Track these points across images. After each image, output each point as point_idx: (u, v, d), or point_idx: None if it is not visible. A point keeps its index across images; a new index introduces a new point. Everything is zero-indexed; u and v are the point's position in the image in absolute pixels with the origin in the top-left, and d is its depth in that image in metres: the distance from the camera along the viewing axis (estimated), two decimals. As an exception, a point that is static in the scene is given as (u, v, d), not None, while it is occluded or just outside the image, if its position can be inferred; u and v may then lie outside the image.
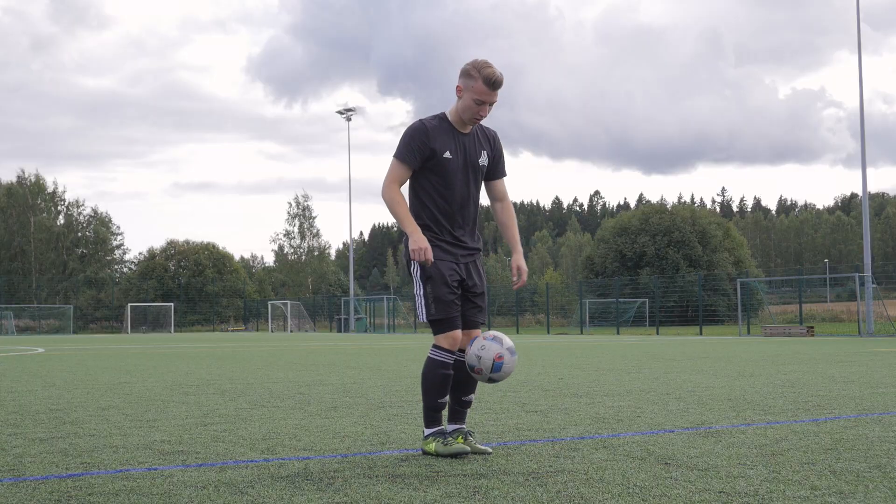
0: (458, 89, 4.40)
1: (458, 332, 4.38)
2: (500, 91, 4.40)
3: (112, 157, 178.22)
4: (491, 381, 4.38)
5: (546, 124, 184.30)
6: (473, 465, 4.05)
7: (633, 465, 4.02)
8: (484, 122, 4.58)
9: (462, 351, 4.49)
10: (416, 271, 4.41)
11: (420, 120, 4.47)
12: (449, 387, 4.40)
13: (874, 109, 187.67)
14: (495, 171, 4.63)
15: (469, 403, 4.54)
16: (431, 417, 4.41)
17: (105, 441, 4.93)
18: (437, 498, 3.36)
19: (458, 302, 4.40)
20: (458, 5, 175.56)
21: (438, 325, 4.36)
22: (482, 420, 5.74)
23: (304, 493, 3.46)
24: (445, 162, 4.40)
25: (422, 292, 4.39)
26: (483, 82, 4.32)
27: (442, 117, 4.47)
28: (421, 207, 4.44)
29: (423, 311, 4.39)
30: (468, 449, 4.31)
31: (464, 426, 4.51)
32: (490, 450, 4.42)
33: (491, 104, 4.38)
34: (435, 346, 4.38)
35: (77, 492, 3.54)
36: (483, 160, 4.52)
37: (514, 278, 4.59)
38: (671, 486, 3.55)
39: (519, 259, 4.63)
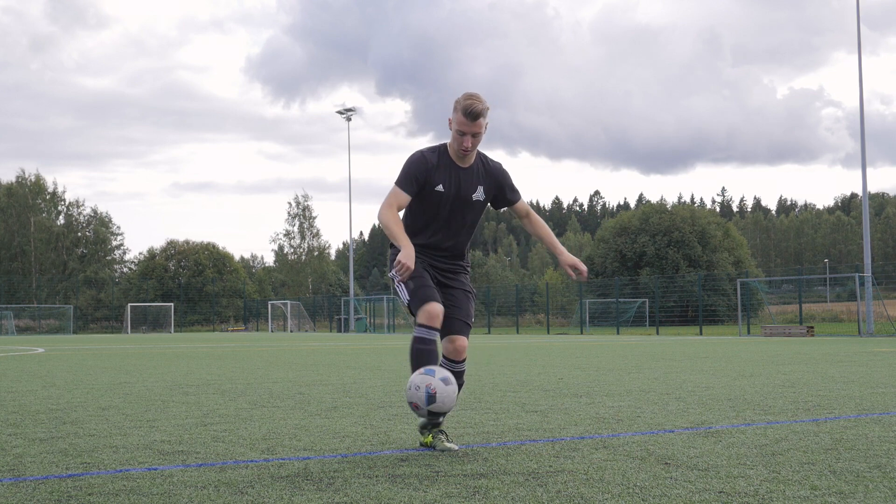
0: (449, 122, 4.52)
1: (436, 306, 4.41)
2: (490, 110, 4.50)
3: (112, 157, 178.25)
4: (431, 414, 4.32)
5: (544, 124, 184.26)
6: (473, 465, 4.06)
7: (633, 465, 4.02)
8: (491, 157, 4.70)
9: (452, 361, 4.57)
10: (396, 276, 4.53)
11: (421, 151, 4.63)
12: (433, 361, 4.43)
13: (872, 109, 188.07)
14: (502, 201, 4.74)
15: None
16: None
17: (105, 441, 4.93)
18: (437, 498, 3.36)
19: (432, 285, 4.50)
20: (456, 5, 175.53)
21: (416, 301, 4.45)
22: (482, 420, 5.74)
23: (304, 493, 3.46)
24: (435, 194, 4.56)
25: (402, 283, 4.52)
26: (462, 113, 4.42)
27: (442, 150, 4.61)
28: (408, 224, 4.65)
29: (405, 295, 4.51)
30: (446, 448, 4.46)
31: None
32: (455, 447, 4.52)
33: (473, 135, 4.45)
34: (415, 323, 4.47)
35: (77, 492, 3.54)
36: (478, 195, 4.62)
37: (573, 276, 4.71)
38: (671, 486, 3.55)
39: (566, 258, 4.73)
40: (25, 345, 26.24)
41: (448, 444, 4.49)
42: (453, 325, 4.57)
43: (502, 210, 4.83)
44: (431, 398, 4.25)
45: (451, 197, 4.56)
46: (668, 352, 16.90)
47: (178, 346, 23.19)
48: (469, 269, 4.83)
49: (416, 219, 4.64)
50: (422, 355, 4.42)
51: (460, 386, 4.59)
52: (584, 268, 4.69)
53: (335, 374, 10.46)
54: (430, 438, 4.54)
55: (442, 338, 4.59)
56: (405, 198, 4.52)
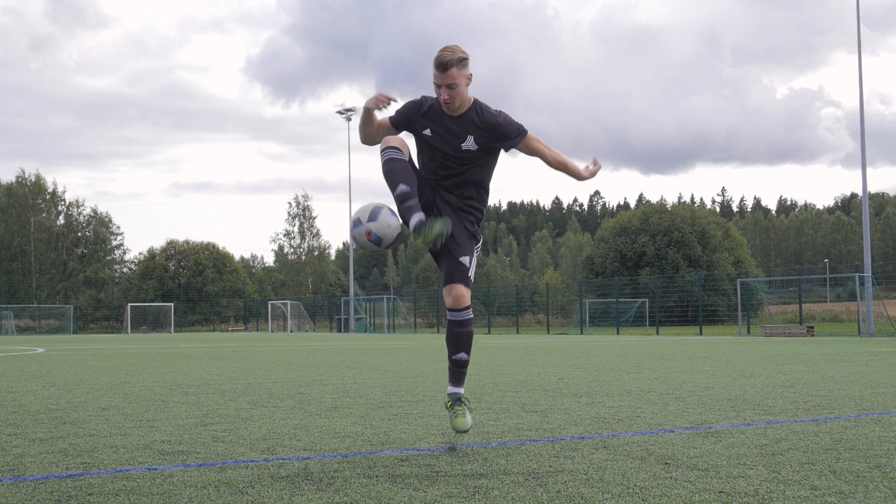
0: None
1: (399, 138, 4.49)
2: (467, 70, 4.46)
3: (112, 157, 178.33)
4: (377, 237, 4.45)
5: (544, 124, 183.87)
6: (473, 465, 4.05)
7: (633, 465, 4.02)
8: (490, 106, 4.64)
9: (453, 310, 4.58)
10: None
11: (423, 96, 4.67)
12: (411, 173, 4.42)
13: (871, 109, 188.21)
14: (505, 144, 4.64)
15: (460, 363, 4.70)
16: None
17: (105, 441, 4.93)
18: (437, 498, 3.36)
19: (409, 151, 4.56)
20: (456, 5, 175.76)
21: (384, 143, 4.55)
22: (482, 420, 5.73)
23: (304, 493, 3.46)
24: (424, 138, 4.61)
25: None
26: (434, 66, 4.42)
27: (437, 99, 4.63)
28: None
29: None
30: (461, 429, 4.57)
31: (460, 391, 4.71)
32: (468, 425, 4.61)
33: (448, 87, 4.40)
34: (381, 151, 4.50)
35: (77, 492, 3.54)
36: (468, 144, 4.54)
37: (592, 166, 4.93)
38: (671, 486, 3.55)
39: (581, 169, 4.92)
40: (25, 345, 26.24)
41: (462, 419, 4.56)
42: (455, 271, 4.54)
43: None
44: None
45: (437, 145, 4.56)
46: (668, 352, 16.90)
47: (178, 346, 23.19)
48: (479, 214, 4.71)
49: (419, 162, 4.70)
50: (399, 170, 4.38)
51: (468, 335, 4.64)
52: (598, 164, 4.92)
53: (335, 374, 10.46)
54: (450, 404, 4.62)
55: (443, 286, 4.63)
56: (385, 122, 4.65)
